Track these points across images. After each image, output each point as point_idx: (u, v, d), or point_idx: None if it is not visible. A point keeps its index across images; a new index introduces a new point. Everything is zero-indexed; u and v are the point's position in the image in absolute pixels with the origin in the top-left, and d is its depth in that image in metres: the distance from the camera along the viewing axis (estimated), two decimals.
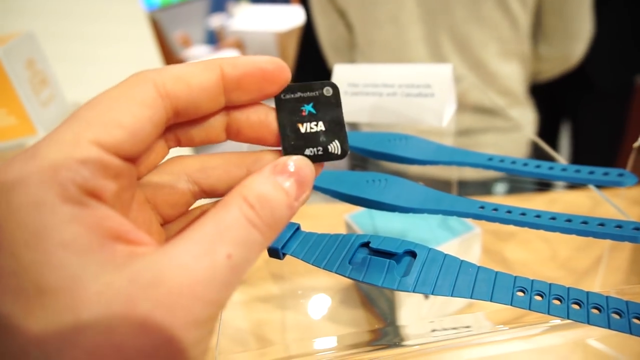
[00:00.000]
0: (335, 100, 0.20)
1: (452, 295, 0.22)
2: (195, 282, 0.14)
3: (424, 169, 0.35)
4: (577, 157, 0.99)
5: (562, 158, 0.42)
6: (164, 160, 0.20)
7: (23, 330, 0.13)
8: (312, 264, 0.24)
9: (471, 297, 0.21)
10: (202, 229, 0.15)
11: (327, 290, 0.47)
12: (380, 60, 0.78)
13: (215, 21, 2.96)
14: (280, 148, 0.20)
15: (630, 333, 0.19)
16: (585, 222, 0.25)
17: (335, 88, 0.20)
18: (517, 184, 0.78)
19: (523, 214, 0.26)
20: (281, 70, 0.19)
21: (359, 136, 0.37)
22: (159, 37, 1.94)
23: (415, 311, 0.41)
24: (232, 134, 0.20)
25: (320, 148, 0.20)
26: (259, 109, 0.20)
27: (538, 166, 0.31)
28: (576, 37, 0.75)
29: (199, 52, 2.78)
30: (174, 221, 0.20)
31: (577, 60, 0.78)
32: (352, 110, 0.40)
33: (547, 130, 0.96)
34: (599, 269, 0.45)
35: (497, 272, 0.22)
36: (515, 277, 0.22)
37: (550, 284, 0.21)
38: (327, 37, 0.86)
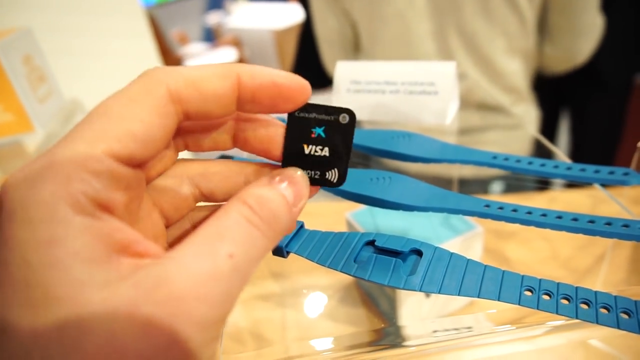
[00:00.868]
0: (348, 129, 0.20)
1: (459, 295, 0.22)
2: (198, 283, 0.14)
3: (424, 166, 0.34)
4: (577, 152, 1.00)
5: (564, 155, 0.41)
6: None
7: (28, 333, 0.13)
8: (317, 263, 0.24)
9: (478, 296, 0.21)
10: (202, 232, 0.15)
11: (327, 289, 0.47)
12: (385, 58, 0.78)
13: (213, 18, 2.94)
14: (280, 164, 0.20)
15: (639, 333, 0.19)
16: (592, 222, 0.24)
17: (352, 117, 0.20)
18: (517, 182, 0.78)
19: (529, 212, 0.26)
20: (302, 90, 0.18)
21: (362, 134, 0.36)
22: (157, 34, 1.93)
23: (416, 310, 0.41)
24: (239, 142, 0.20)
25: (318, 172, 0.20)
26: (269, 124, 0.20)
27: (543, 165, 0.30)
28: (582, 35, 0.75)
29: (196, 50, 2.77)
30: (175, 224, 0.20)
31: (584, 59, 0.78)
32: (354, 108, 0.40)
33: (547, 125, 0.96)
34: (600, 268, 0.45)
35: (504, 271, 0.22)
36: (523, 276, 0.22)
37: (558, 283, 0.21)
38: (328, 35, 0.86)
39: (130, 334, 0.13)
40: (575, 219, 0.25)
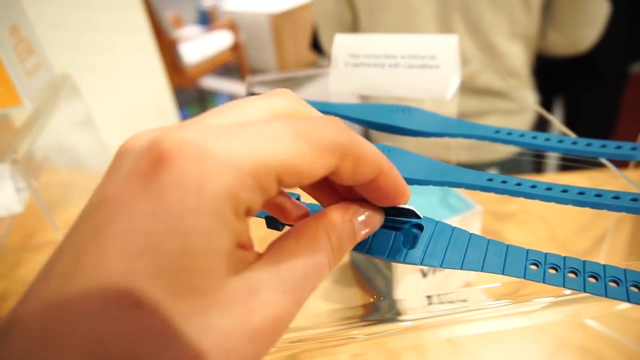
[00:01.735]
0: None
1: (461, 268, 0.21)
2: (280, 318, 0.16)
3: (421, 148, 0.33)
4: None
5: (570, 132, 0.41)
6: None
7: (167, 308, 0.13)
8: None
9: (482, 270, 0.20)
10: (294, 265, 0.16)
11: None
12: None
13: (208, 1, 2.90)
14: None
15: None
16: (599, 195, 0.24)
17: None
18: (515, 167, 0.77)
19: (533, 186, 0.25)
20: (403, 200, 0.20)
21: (360, 108, 0.35)
22: (151, 17, 1.90)
23: (412, 289, 0.40)
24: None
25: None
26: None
27: (547, 139, 0.29)
28: (588, 22, 0.74)
29: (190, 33, 2.72)
30: None
31: (588, 45, 0.77)
32: (352, 82, 0.39)
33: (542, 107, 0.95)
34: (599, 250, 0.45)
35: (508, 245, 0.21)
36: (528, 250, 0.21)
37: (564, 257, 0.20)
38: (326, 17, 0.84)
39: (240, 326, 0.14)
40: (581, 193, 0.24)
